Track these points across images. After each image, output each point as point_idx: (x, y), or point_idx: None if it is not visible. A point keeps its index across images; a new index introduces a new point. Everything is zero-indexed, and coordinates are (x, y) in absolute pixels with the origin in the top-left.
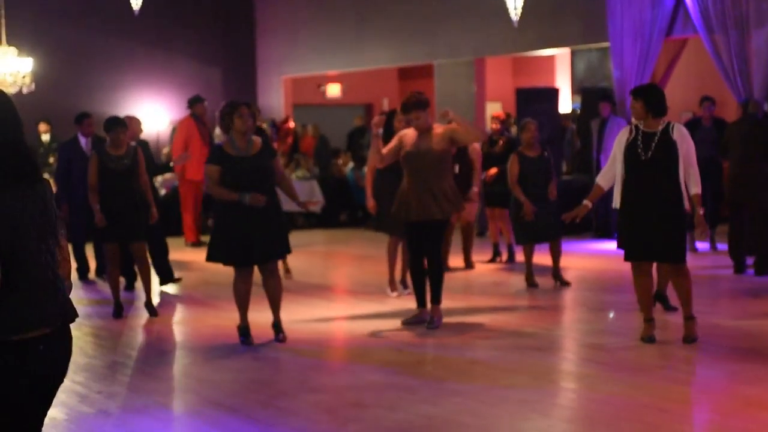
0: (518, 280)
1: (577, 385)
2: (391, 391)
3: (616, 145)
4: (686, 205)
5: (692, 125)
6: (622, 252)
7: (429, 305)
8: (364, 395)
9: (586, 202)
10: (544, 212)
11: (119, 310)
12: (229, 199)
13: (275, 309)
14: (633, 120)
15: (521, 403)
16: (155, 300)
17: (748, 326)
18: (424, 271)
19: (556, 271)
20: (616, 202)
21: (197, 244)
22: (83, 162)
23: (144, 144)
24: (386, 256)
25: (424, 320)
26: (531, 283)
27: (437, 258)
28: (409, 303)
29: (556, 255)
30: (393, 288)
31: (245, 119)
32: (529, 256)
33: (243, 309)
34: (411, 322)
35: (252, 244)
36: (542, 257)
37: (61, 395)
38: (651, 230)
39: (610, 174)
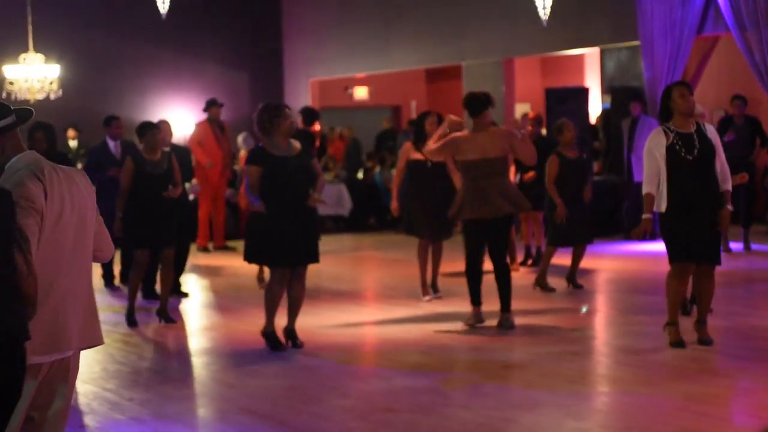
0: (552, 283)
1: (611, 389)
2: (423, 395)
3: (654, 148)
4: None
5: (725, 123)
6: (654, 253)
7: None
8: (397, 400)
9: (646, 216)
10: (577, 215)
11: (133, 318)
12: (256, 208)
13: (294, 315)
14: (672, 122)
15: (556, 407)
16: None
17: None
18: (482, 271)
19: (572, 274)
20: (661, 206)
21: (207, 249)
22: (113, 166)
23: (185, 150)
24: (416, 260)
25: (482, 319)
26: (543, 286)
27: (504, 260)
28: (441, 307)
29: (578, 257)
30: (425, 292)
31: (290, 121)
32: (549, 257)
33: (273, 313)
34: (473, 323)
35: (294, 246)
36: (558, 258)
37: (93, 403)
38: (701, 231)
39: (656, 179)
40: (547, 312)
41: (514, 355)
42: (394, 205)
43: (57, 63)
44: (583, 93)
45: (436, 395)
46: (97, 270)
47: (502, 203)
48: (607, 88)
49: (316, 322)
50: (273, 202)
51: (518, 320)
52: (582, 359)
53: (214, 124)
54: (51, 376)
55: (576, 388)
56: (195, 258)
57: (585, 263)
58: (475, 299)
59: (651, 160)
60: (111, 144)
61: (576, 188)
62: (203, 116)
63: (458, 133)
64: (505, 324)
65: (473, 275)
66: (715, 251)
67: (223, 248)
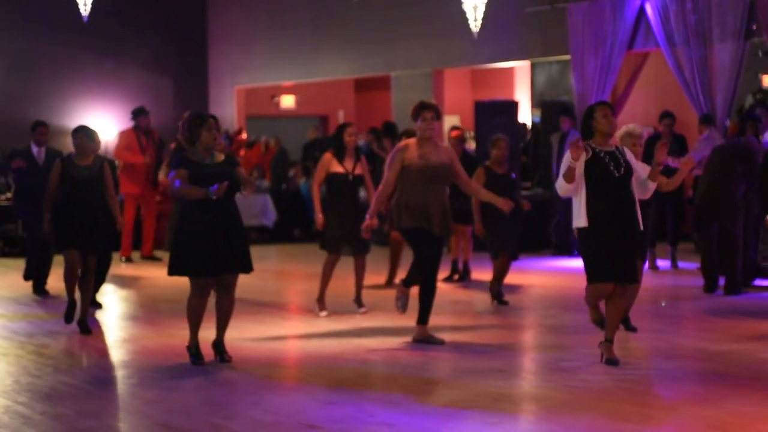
0: (478, 298)
1: (537, 407)
2: (345, 410)
3: (574, 162)
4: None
5: (652, 141)
6: (582, 270)
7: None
8: (319, 416)
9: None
10: (505, 229)
11: (72, 312)
12: (197, 195)
13: (223, 328)
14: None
15: (479, 425)
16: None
17: (713, 347)
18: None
19: (494, 286)
20: (580, 221)
21: (131, 259)
22: (35, 170)
23: (110, 162)
24: (351, 273)
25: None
26: (501, 301)
27: (436, 276)
28: (365, 321)
29: (503, 271)
30: (322, 307)
31: (213, 133)
32: (501, 270)
33: (196, 326)
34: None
35: (213, 255)
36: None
37: (4, 417)
38: (626, 250)
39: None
40: (473, 329)
41: (438, 372)
42: (318, 218)
43: None
44: (512, 106)
45: (359, 411)
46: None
47: (448, 223)
48: (537, 102)
49: (239, 334)
50: (193, 210)
51: (445, 336)
52: (507, 377)
53: (139, 132)
54: None
55: (500, 407)
56: (117, 268)
57: (512, 278)
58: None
59: (564, 168)
60: (35, 150)
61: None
62: (129, 121)
63: (403, 142)
64: (435, 339)
65: (432, 290)
66: (635, 269)
67: (150, 258)
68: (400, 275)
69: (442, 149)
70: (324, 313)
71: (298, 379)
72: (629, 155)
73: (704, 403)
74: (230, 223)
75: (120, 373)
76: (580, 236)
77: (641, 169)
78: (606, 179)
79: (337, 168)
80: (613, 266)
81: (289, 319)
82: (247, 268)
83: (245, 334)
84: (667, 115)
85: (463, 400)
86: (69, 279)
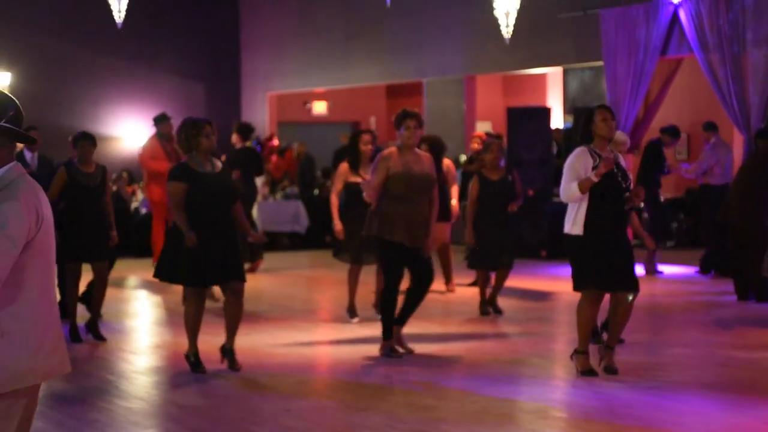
0: (465, 307)
1: (567, 414)
2: (376, 417)
3: (579, 167)
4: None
5: (654, 147)
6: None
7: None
8: (349, 422)
9: (593, 176)
10: (499, 238)
11: (77, 333)
12: (181, 227)
13: (232, 333)
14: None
15: None
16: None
17: (744, 355)
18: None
19: (493, 298)
20: (576, 228)
21: None
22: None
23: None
24: (354, 282)
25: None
26: (484, 311)
27: (431, 276)
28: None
29: (500, 281)
30: (353, 314)
31: (212, 139)
32: (483, 280)
33: (194, 335)
34: (389, 354)
35: (210, 264)
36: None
37: (38, 423)
38: (624, 259)
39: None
40: (494, 337)
41: (453, 382)
42: (338, 228)
43: (7, 71)
44: (545, 112)
45: (390, 418)
46: None
47: (423, 236)
48: (570, 108)
49: (270, 340)
50: (193, 219)
51: (460, 345)
52: (506, 386)
53: (163, 140)
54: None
55: (523, 417)
56: (148, 274)
57: (536, 285)
58: (390, 332)
59: (573, 175)
60: (28, 155)
61: (499, 211)
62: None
63: (385, 151)
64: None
65: (393, 303)
66: (632, 278)
67: None
68: (456, 279)
69: (424, 158)
70: (356, 320)
71: (328, 386)
72: (623, 162)
73: (732, 411)
74: (225, 232)
75: (153, 380)
76: (571, 243)
77: None
78: (613, 188)
79: (354, 177)
80: (607, 275)
81: (320, 325)
82: (241, 277)
83: (276, 341)
84: (710, 126)
85: (493, 408)
86: (73, 295)
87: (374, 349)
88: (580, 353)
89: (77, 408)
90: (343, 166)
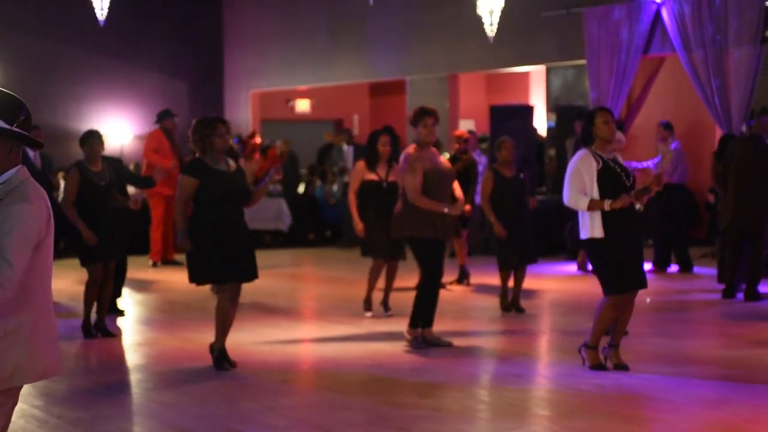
0: (490, 303)
1: (550, 413)
2: (360, 415)
3: (584, 170)
4: None
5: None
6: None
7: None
8: (334, 420)
9: (611, 202)
10: (518, 235)
11: (90, 329)
12: (181, 224)
13: (225, 333)
14: (596, 147)
15: (495, 430)
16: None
17: (730, 353)
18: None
19: (515, 297)
20: (596, 232)
21: (158, 264)
22: (33, 175)
23: (118, 161)
24: (365, 277)
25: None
26: (505, 307)
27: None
28: (381, 326)
29: (519, 279)
30: (368, 308)
31: (225, 138)
32: (505, 279)
33: (225, 332)
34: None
35: (237, 259)
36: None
37: (20, 420)
38: (639, 257)
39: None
40: (486, 334)
41: (454, 377)
42: (359, 227)
43: None
44: (528, 111)
45: (374, 416)
46: None
47: (452, 228)
48: (553, 107)
49: (253, 338)
50: (211, 216)
51: (458, 341)
52: (522, 382)
53: (168, 134)
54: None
55: (515, 411)
56: (136, 272)
57: (528, 284)
58: (431, 320)
59: (579, 180)
60: (31, 153)
61: (514, 208)
62: (144, 125)
63: (410, 150)
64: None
65: (436, 295)
66: (644, 276)
67: (171, 262)
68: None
69: (438, 153)
70: (369, 314)
71: (313, 384)
72: (621, 159)
73: (718, 408)
74: (244, 231)
75: (136, 377)
76: (595, 248)
77: None
78: (618, 189)
79: (370, 176)
80: (633, 275)
81: (303, 323)
82: (257, 274)
83: (260, 338)
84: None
85: (476, 406)
86: (90, 295)
87: (358, 347)
88: (591, 348)
89: (60, 406)
90: (359, 165)
